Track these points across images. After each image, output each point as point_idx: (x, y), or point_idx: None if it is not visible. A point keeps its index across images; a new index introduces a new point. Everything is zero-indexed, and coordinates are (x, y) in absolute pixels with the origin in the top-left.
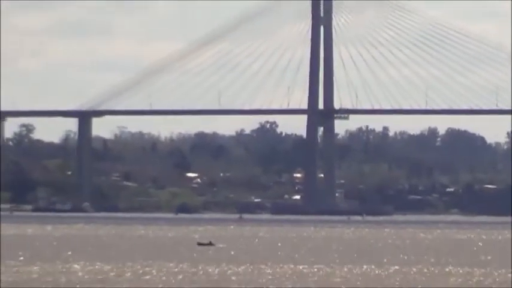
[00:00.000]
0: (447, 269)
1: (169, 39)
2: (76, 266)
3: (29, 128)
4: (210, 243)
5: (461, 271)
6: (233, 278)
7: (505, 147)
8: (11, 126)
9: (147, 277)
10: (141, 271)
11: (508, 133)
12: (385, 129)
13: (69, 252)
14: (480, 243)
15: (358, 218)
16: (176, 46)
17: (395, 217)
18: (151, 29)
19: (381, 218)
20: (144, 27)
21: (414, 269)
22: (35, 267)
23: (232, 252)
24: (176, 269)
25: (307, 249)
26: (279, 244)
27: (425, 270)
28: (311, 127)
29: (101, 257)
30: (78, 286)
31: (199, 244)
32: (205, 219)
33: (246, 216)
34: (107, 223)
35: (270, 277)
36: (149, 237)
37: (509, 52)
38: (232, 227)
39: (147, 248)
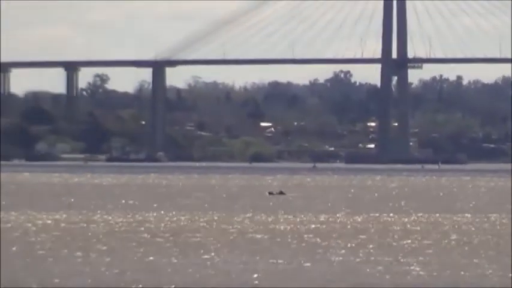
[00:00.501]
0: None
1: None
2: (148, 214)
3: (103, 78)
4: (281, 193)
5: None
6: (298, 227)
7: None
8: (86, 77)
9: (218, 226)
10: (205, 222)
11: None
12: (459, 78)
13: (136, 202)
14: None
15: (434, 166)
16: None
17: (470, 165)
18: None
19: (456, 166)
20: None
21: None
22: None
23: (302, 202)
24: (243, 219)
25: (377, 198)
26: (349, 194)
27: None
28: (385, 76)
29: (172, 207)
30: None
31: (270, 194)
32: (279, 168)
33: (319, 165)
34: (181, 172)
35: (330, 227)
36: (221, 187)
37: None
38: (303, 176)
39: (219, 198)
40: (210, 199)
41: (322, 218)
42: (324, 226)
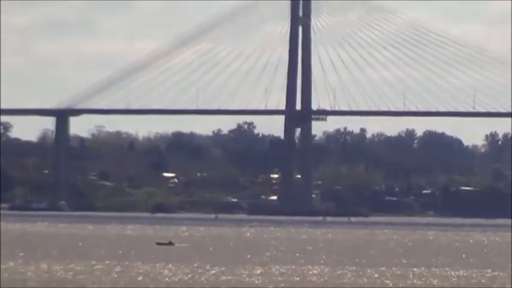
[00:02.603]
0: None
1: (153, 39)
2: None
3: (6, 126)
4: (170, 243)
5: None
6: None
7: (482, 150)
8: None
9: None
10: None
11: (486, 136)
12: (363, 130)
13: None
14: (457, 244)
15: (343, 219)
16: (159, 45)
17: (372, 218)
18: (135, 28)
19: (361, 219)
20: (128, 26)
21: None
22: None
23: (190, 253)
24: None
25: (273, 249)
26: (240, 245)
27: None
28: (288, 128)
29: (65, 256)
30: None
31: (159, 244)
32: (181, 218)
33: (222, 216)
34: (83, 222)
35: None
36: (114, 236)
37: (489, 55)
38: (204, 227)
39: (112, 247)
40: (92, 248)
41: (207, 267)
42: (197, 277)
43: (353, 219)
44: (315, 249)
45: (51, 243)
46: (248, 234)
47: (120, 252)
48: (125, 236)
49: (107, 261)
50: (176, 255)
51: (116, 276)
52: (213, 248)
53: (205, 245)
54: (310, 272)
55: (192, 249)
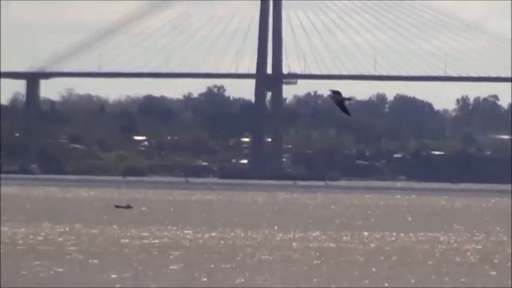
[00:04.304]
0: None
1: (125, 2)
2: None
3: None
4: (128, 206)
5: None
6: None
7: (453, 114)
8: None
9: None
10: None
11: (457, 100)
12: None
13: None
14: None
15: (320, 183)
16: (131, 9)
17: (343, 182)
18: None
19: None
20: None
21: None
22: None
23: (147, 215)
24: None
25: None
26: (195, 208)
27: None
28: (259, 92)
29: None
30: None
31: (117, 207)
32: (152, 182)
33: (192, 179)
34: (53, 185)
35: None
36: (71, 199)
37: (460, 20)
38: (171, 190)
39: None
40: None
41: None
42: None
43: (330, 183)
44: (283, 214)
45: (22, 205)
46: (219, 197)
47: (84, 216)
48: (90, 199)
49: (77, 224)
50: (131, 218)
51: (73, 239)
52: (167, 211)
53: (161, 208)
54: (277, 237)
55: (148, 212)
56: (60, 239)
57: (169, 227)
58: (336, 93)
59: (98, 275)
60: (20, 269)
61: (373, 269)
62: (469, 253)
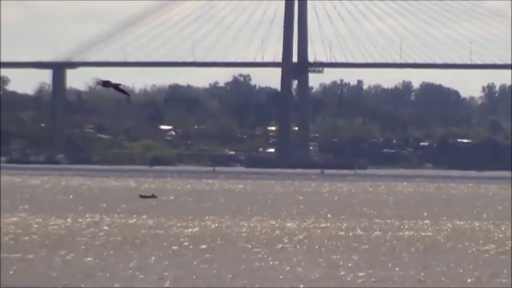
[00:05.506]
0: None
1: None
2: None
3: (4, 80)
4: (153, 196)
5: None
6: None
7: (479, 101)
8: None
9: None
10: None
11: (483, 87)
12: (360, 82)
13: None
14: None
15: (350, 171)
16: None
17: (370, 171)
18: None
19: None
20: None
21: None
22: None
23: (171, 205)
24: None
25: (261, 204)
26: (223, 199)
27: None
28: (285, 80)
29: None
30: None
31: (142, 197)
32: (178, 171)
33: (219, 168)
34: (80, 175)
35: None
36: (101, 189)
37: (485, 6)
38: (199, 180)
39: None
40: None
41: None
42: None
43: (359, 171)
44: (315, 203)
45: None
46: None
47: (105, 205)
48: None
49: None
50: (156, 208)
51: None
52: (193, 200)
53: (187, 198)
54: (312, 225)
55: (173, 202)
56: (92, 229)
57: (203, 216)
58: (105, 83)
59: (135, 263)
60: (51, 260)
61: (405, 258)
62: (496, 240)
